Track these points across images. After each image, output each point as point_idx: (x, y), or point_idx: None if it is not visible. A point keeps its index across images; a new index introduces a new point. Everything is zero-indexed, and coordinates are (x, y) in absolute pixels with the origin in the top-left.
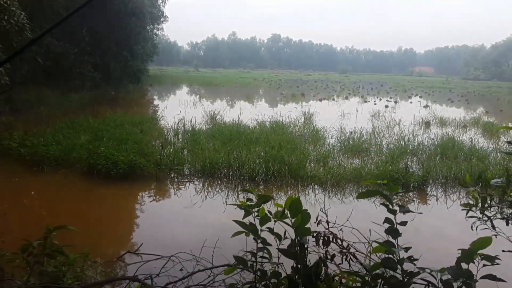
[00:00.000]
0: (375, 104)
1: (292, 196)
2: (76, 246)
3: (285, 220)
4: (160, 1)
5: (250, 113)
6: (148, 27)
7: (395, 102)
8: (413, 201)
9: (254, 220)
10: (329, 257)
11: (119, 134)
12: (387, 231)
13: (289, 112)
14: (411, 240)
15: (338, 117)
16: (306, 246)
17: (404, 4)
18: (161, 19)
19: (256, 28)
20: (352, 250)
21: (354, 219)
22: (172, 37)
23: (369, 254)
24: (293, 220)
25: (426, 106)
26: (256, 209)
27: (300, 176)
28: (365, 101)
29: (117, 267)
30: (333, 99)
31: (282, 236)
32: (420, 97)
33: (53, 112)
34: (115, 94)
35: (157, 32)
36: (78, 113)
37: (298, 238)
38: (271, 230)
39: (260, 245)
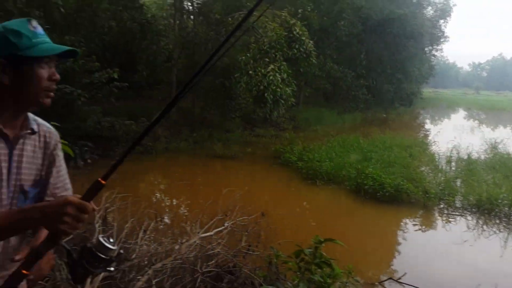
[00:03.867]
0: None
1: None
2: (339, 260)
3: None
4: (442, 21)
5: None
6: (426, 49)
7: None
8: None
9: None
10: None
11: (387, 157)
12: None
13: None
14: None
15: None
16: None
17: None
18: (441, 40)
19: None
20: None
21: None
22: (452, 57)
23: None
24: None
25: None
26: None
27: None
28: None
29: None
30: None
31: None
32: None
33: (327, 131)
34: (386, 116)
35: (435, 53)
36: (349, 132)
37: None
38: None
39: None
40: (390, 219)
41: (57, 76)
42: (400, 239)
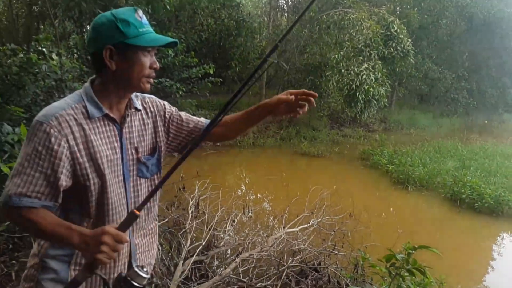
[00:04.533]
0: None
1: None
2: (431, 266)
3: None
4: None
5: None
6: None
7: None
8: None
9: None
10: None
11: (488, 166)
12: None
13: None
14: None
15: None
16: None
17: None
18: None
19: None
20: None
21: None
22: None
23: None
24: None
25: None
26: None
27: None
28: None
29: None
30: None
31: None
32: None
33: (421, 135)
34: (487, 123)
35: None
36: (446, 138)
37: None
38: None
39: None
40: (488, 232)
41: (157, 65)
42: (496, 254)
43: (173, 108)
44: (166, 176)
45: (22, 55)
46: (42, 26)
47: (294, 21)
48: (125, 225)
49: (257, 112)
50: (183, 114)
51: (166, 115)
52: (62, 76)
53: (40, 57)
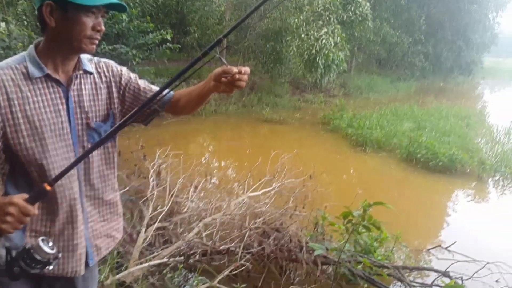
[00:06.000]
0: None
1: None
2: (386, 227)
3: None
4: None
5: None
6: (490, 15)
7: None
8: None
9: None
10: None
11: (443, 126)
12: None
13: None
14: None
15: None
16: None
17: None
18: (508, 6)
19: None
20: None
21: None
22: None
23: None
24: None
25: None
26: None
27: None
28: None
29: (423, 258)
30: None
31: None
32: None
33: (379, 99)
34: (443, 85)
35: (499, 21)
36: (403, 101)
37: None
38: None
39: None
40: (442, 189)
41: (102, 27)
42: (450, 210)
43: (132, 75)
44: (91, 148)
45: None
46: None
47: (243, 17)
48: (34, 198)
49: (200, 90)
50: (141, 82)
51: (122, 82)
52: (10, 44)
53: None
